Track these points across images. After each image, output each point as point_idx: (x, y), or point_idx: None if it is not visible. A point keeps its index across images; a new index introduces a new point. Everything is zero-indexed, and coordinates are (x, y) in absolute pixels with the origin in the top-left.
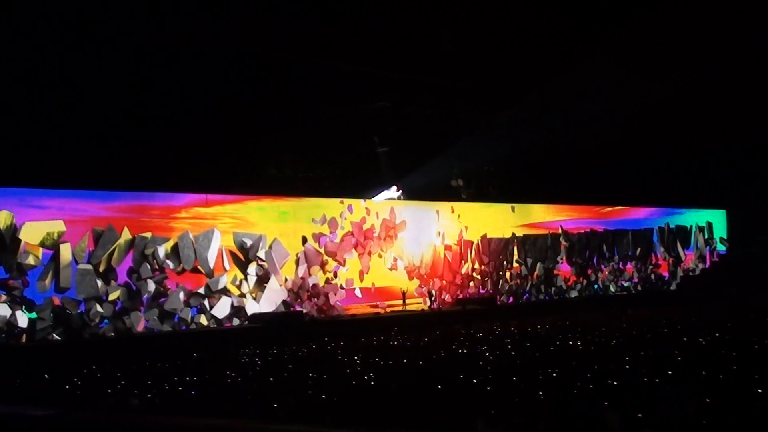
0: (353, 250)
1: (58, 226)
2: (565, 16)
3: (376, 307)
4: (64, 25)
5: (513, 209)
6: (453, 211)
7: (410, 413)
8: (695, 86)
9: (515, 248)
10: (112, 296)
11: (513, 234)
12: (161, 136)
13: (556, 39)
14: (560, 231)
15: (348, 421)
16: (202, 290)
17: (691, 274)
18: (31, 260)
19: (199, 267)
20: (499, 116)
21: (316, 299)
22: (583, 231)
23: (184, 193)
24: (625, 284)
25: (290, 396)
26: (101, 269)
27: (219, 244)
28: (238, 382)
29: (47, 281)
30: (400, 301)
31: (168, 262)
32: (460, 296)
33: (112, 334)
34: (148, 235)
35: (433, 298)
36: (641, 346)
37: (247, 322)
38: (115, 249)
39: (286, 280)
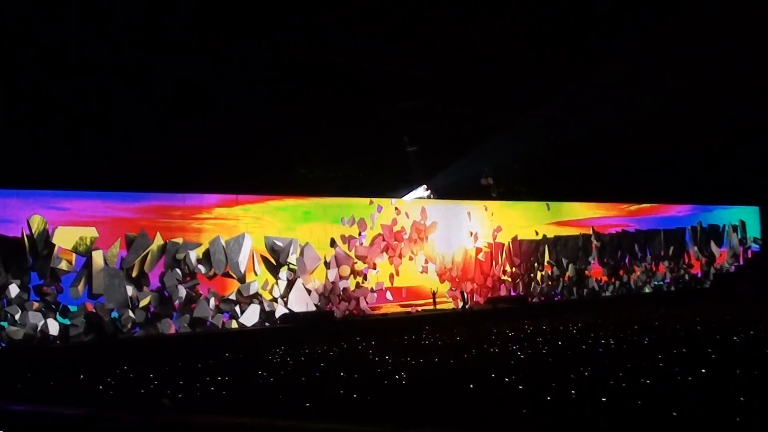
0: (384, 253)
1: (90, 232)
2: (593, 13)
3: (407, 307)
4: (86, 24)
5: (548, 207)
6: (486, 209)
7: (441, 412)
8: (727, 81)
9: (546, 249)
10: (143, 302)
11: (544, 235)
12: (189, 137)
13: (583, 36)
14: (591, 231)
15: (379, 419)
16: (233, 296)
17: (724, 272)
18: (64, 265)
19: (231, 272)
20: (528, 114)
21: (347, 303)
22: (614, 231)
23: (213, 193)
24: (657, 283)
25: (322, 395)
26: (133, 275)
27: (250, 249)
28: (270, 382)
29: (80, 287)
30: (431, 301)
31: (200, 267)
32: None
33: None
34: (180, 240)
35: (466, 302)
36: (674, 344)
37: (278, 322)
38: (147, 254)
39: (316, 284)
